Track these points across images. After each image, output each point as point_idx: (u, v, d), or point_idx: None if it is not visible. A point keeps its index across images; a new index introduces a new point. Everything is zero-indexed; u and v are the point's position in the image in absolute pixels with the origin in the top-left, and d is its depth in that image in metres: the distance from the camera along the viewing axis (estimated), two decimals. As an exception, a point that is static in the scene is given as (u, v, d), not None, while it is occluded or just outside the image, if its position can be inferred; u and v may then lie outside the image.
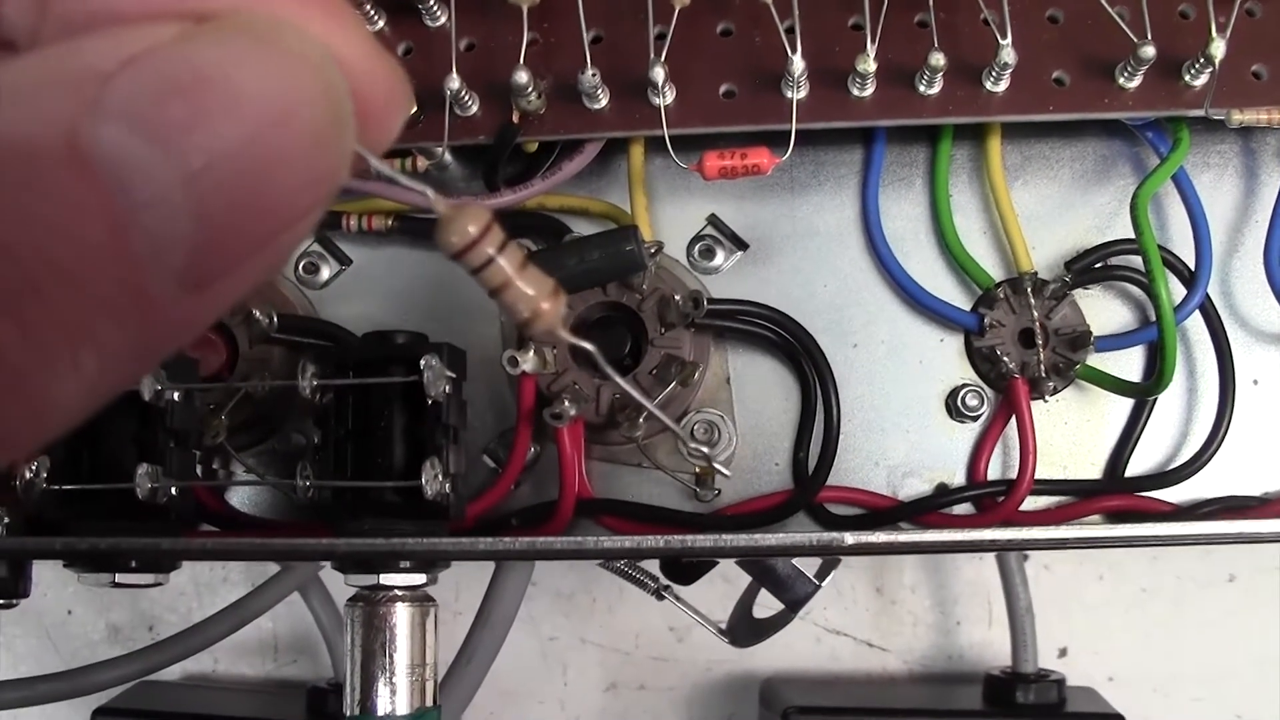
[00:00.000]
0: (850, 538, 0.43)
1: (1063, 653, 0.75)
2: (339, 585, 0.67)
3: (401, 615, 0.48)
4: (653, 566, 0.60)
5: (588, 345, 0.30)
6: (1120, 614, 0.75)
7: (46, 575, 0.79)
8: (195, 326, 0.21)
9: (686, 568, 0.58)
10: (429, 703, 0.48)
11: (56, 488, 0.48)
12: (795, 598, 0.57)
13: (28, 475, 0.47)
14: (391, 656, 0.47)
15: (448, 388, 0.47)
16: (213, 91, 0.19)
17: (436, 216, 0.26)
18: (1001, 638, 0.70)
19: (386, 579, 0.48)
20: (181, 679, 0.78)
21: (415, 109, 0.51)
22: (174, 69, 0.19)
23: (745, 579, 0.60)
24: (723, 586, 0.67)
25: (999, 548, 0.57)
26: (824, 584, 0.57)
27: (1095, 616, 0.75)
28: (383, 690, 0.47)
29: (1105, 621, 0.75)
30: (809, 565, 0.56)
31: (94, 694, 0.64)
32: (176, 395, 0.49)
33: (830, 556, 0.56)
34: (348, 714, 0.48)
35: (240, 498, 0.56)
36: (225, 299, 0.21)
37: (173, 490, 0.48)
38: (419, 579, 0.48)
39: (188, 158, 0.19)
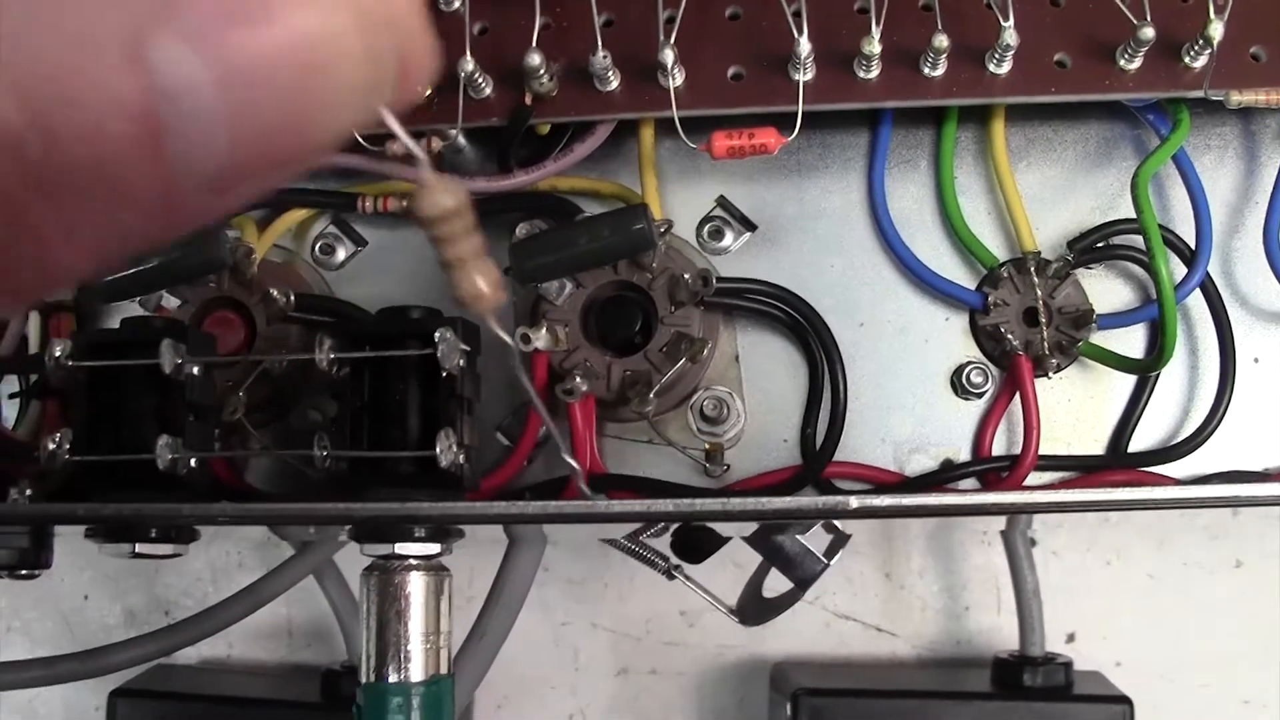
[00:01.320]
0: (855, 501, 0.44)
1: (1070, 638, 0.76)
2: (353, 569, 0.68)
3: (416, 584, 0.48)
4: (664, 547, 0.61)
5: (508, 338, 0.32)
6: (1127, 600, 0.76)
7: (63, 561, 0.79)
8: (208, 219, 0.22)
9: (697, 546, 0.59)
10: (443, 671, 0.49)
11: (79, 458, 0.49)
12: (804, 576, 0.58)
13: (50, 446, 0.49)
14: (406, 625, 0.48)
15: (462, 360, 0.48)
16: (272, 26, 0.20)
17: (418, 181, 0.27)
18: (1009, 624, 0.70)
19: (401, 548, 0.49)
20: (197, 664, 0.79)
21: (430, 91, 0.52)
22: None
23: (754, 564, 0.61)
24: (733, 571, 0.68)
25: (1001, 510, 0.58)
26: (833, 562, 0.57)
27: (1102, 603, 0.76)
28: (397, 658, 0.48)
29: (1112, 607, 0.76)
30: (818, 544, 0.57)
31: (111, 674, 0.65)
32: (196, 369, 0.50)
33: (839, 535, 0.57)
34: (362, 681, 0.49)
35: (255, 477, 0.57)
36: (240, 202, 0.22)
37: (192, 462, 0.49)
38: (433, 548, 0.49)
39: (234, 83, 0.20)
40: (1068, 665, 0.67)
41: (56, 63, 0.19)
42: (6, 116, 0.19)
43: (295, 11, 0.21)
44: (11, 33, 0.19)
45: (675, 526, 0.57)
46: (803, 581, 0.58)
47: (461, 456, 0.47)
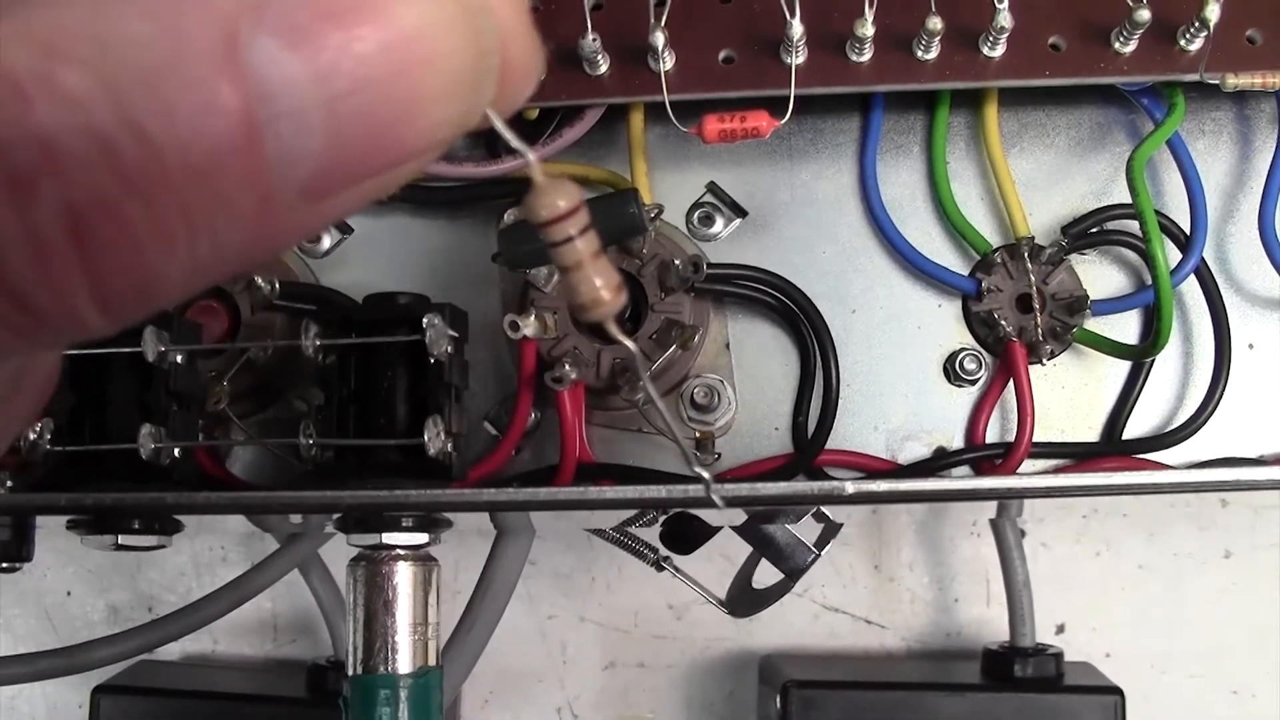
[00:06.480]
0: (851, 486, 0.43)
1: (1060, 629, 0.75)
2: (338, 563, 0.67)
3: (403, 574, 0.48)
4: (652, 538, 0.60)
5: (631, 344, 0.31)
6: (1117, 591, 0.76)
7: (46, 556, 0.79)
8: (304, 232, 0.21)
9: (686, 537, 0.58)
10: (431, 662, 0.48)
11: (60, 449, 0.48)
12: (795, 566, 0.57)
13: (31, 437, 0.48)
14: (394, 616, 0.48)
15: (450, 347, 0.47)
16: (371, 22, 0.20)
17: (531, 183, 0.26)
18: (999, 616, 0.70)
19: (389, 538, 0.48)
20: (181, 660, 0.78)
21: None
22: None
23: (742, 556, 0.60)
24: (721, 563, 0.67)
25: (998, 495, 0.57)
26: (823, 552, 0.57)
27: (1092, 594, 0.75)
28: (385, 650, 0.48)
29: (1102, 599, 0.75)
30: (808, 534, 0.56)
31: (94, 671, 0.64)
32: (180, 358, 0.49)
33: (830, 524, 0.56)
34: (350, 674, 0.48)
35: (240, 469, 0.56)
36: (338, 213, 0.21)
37: (176, 452, 0.48)
38: (421, 538, 0.49)
39: (333, 81, 0.19)
40: (1058, 656, 0.67)
41: (149, 61, 0.18)
42: (98, 115, 0.18)
43: (396, 6, 0.20)
44: (102, 30, 0.18)
45: (664, 517, 0.57)
46: (793, 572, 0.57)
47: (450, 445, 0.47)
